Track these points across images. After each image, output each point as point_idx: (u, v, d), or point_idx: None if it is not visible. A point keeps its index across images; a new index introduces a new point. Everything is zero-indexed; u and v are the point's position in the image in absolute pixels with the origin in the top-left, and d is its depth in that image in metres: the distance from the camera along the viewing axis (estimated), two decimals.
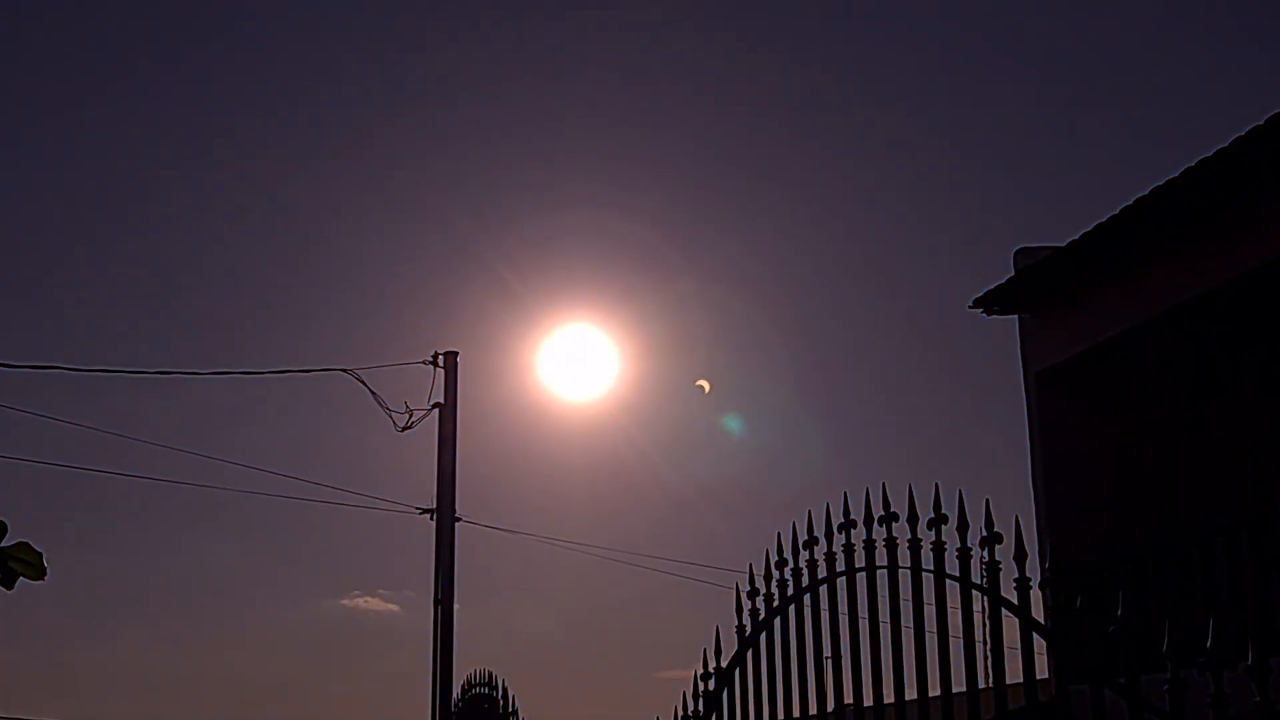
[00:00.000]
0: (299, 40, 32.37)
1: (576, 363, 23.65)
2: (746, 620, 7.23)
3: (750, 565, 7.20)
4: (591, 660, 34.89)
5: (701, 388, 26.53)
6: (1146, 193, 11.26)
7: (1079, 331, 12.96)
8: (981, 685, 5.73)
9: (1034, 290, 13.29)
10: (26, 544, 2.81)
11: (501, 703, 11.88)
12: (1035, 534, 13.08)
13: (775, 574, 7.03)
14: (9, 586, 2.80)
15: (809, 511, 6.74)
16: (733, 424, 25.87)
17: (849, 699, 6.46)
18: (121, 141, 32.71)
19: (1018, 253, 13.61)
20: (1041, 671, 5.66)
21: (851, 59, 33.50)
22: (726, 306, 30.22)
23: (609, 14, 31.41)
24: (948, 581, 5.81)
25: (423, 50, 33.20)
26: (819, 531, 6.67)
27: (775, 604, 7.03)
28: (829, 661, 6.64)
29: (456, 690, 16.04)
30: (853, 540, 6.43)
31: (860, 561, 6.38)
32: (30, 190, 32.39)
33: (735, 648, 7.31)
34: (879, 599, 6.26)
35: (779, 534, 6.98)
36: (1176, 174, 10.91)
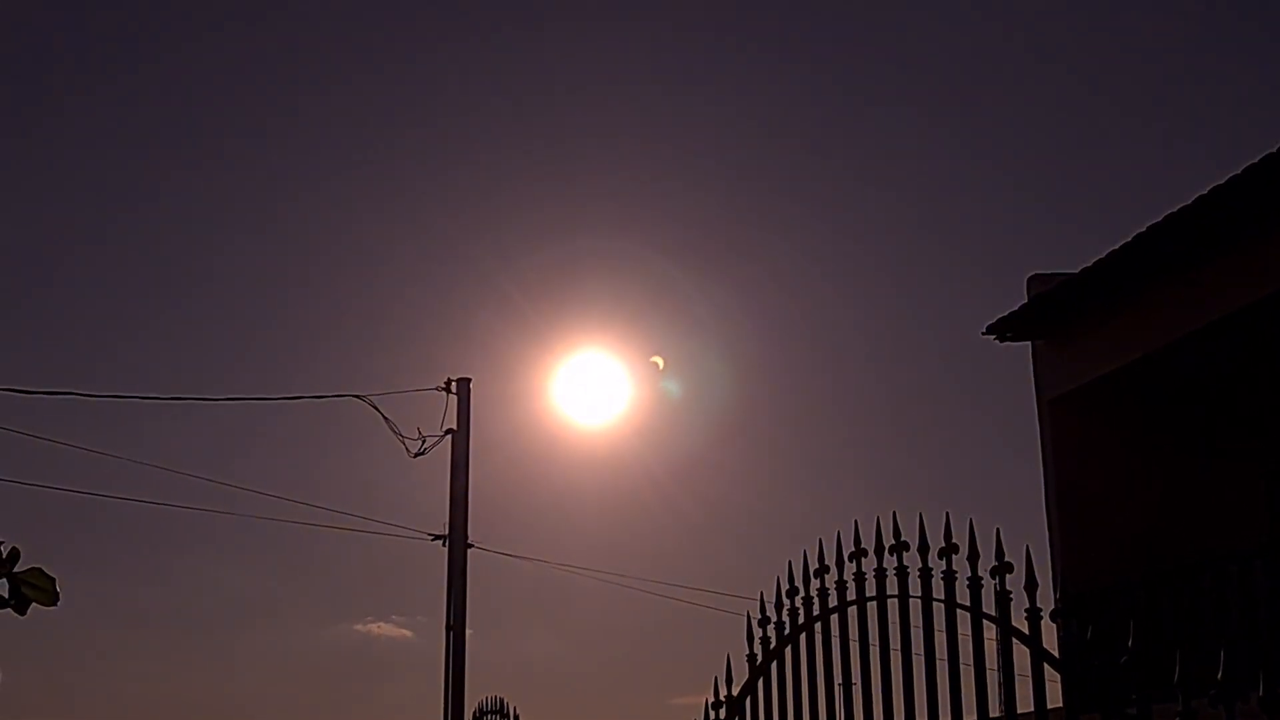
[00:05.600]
0: (316, 67, 32.54)
1: (589, 388, 23.67)
2: (758, 648, 7.22)
3: (761, 593, 7.20)
4: (604, 686, 34.82)
5: (655, 364, 26.67)
6: (1160, 220, 11.27)
7: (1092, 358, 12.95)
8: (992, 714, 5.72)
9: (1047, 317, 13.28)
10: (40, 569, 2.83)
11: None
12: (1048, 560, 13.04)
13: (786, 602, 7.02)
14: (22, 612, 2.82)
15: (820, 540, 6.73)
16: (671, 387, 26.77)
17: None
18: (136, 165, 32.89)
19: (1031, 279, 13.60)
20: (1053, 701, 5.65)
21: (866, 87, 33.58)
22: (738, 332, 30.22)
23: (624, 41, 31.54)
24: (958, 611, 5.79)
25: (439, 77, 33.36)
26: (830, 560, 6.66)
27: (786, 632, 7.02)
28: (840, 689, 6.63)
29: (468, 716, 16.01)
30: (864, 569, 6.42)
31: (871, 590, 6.36)
32: (44, 215, 32.55)
33: (747, 676, 7.30)
34: (890, 628, 6.24)
35: (790, 562, 6.98)
36: (1189, 201, 10.92)
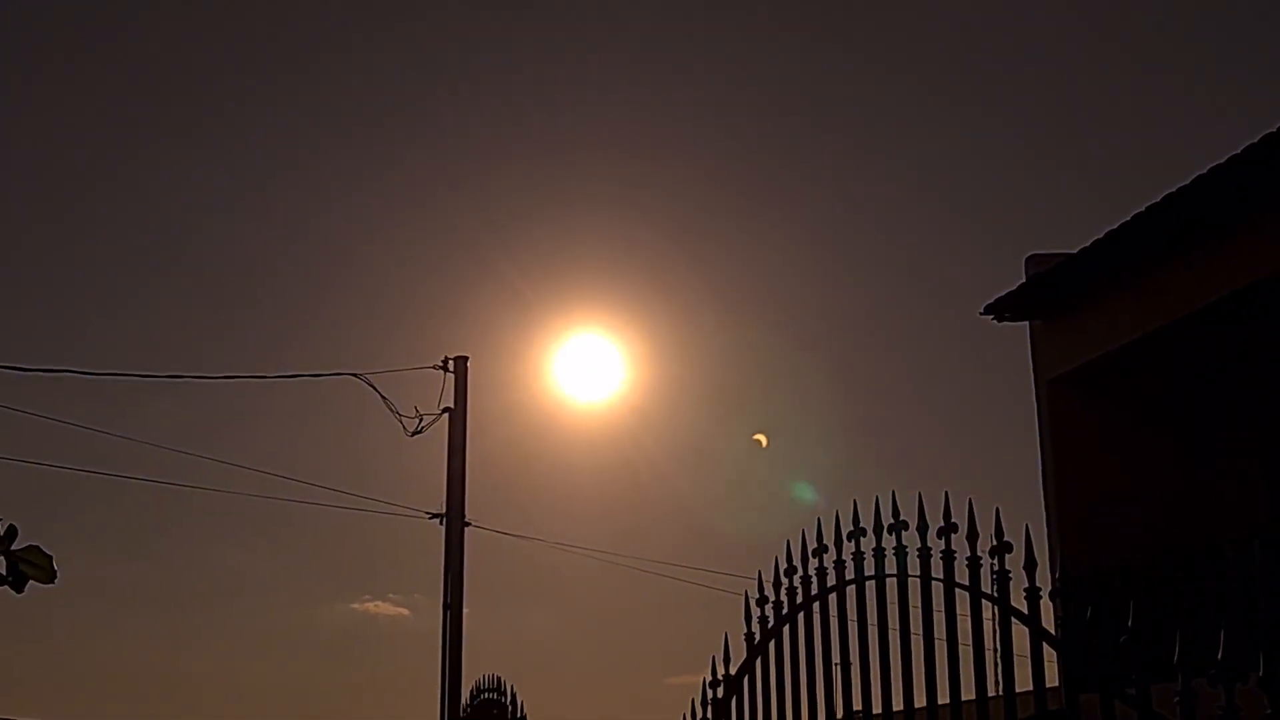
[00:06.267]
0: (312, 43, 32.44)
1: (586, 368, 23.68)
2: (756, 628, 7.23)
3: (759, 573, 7.20)
4: (601, 665, 34.88)
5: (759, 442, 26.13)
6: (1159, 199, 11.25)
7: (1091, 338, 12.94)
8: (991, 694, 5.72)
9: (1045, 297, 13.27)
10: (37, 547, 2.82)
11: (510, 708, 11.88)
12: (1046, 541, 13.05)
13: (785, 581, 7.01)
14: (19, 590, 2.81)
15: (818, 519, 6.73)
16: (805, 492, 24.58)
17: (858, 706, 6.45)
18: (133, 143, 32.80)
19: (1029, 259, 13.57)
20: (1051, 680, 5.65)
21: (863, 64, 33.50)
22: (735, 312, 30.21)
23: (622, 17, 31.43)
24: (957, 590, 5.79)
25: (434, 56, 33.26)
26: (828, 539, 6.66)
27: (785, 611, 7.02)
28: (838, 669, 6.63)
29: (465, 695, 16.04)
30: (862, 548, 6.42)
31: (869, 570, 6.36)
32: (38, 192, 32.47)
33: (745, 655, 7.30)
34: (888, 607, 6.24)
35: (789, 541, 6.98)
36: (1188, 180, 10.90)
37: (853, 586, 6.49)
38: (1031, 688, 5.49)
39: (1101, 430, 13.37)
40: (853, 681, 6.48)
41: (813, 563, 6.79)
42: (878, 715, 6.30)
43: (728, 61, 32.88)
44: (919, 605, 6.01)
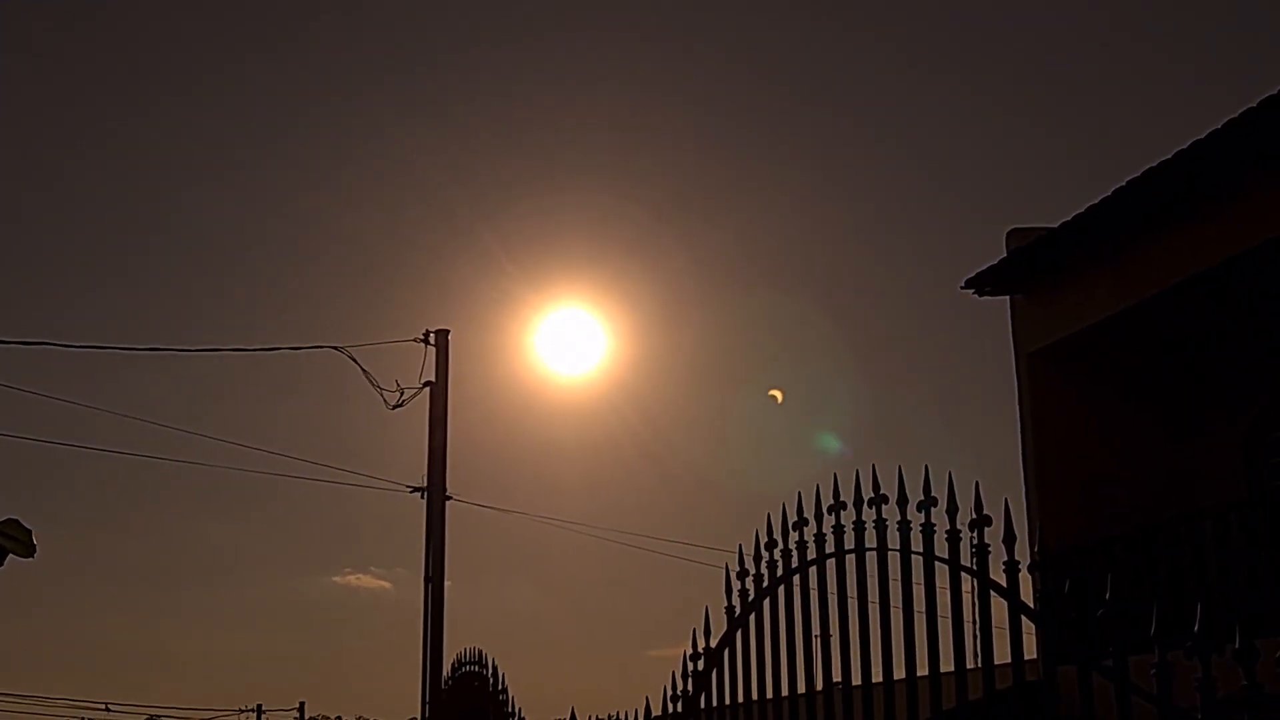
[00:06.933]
0: (294, 20, 32.25)
1: (568, 342, 23.67)
2: (736, 601, 7.24)
3: (740, 546, 7.22)
4: (582, 638, 35.01)
5: (775, 398, 26.42)
6: (1138, 174, 11.28)
7: (1071, 313, 12.97)
8: (969, 666, 5.76)
9: (1026, 271, 13.30)
10: (16, 521, 2.81)
11: (491, 680, 11.90)
12: (1026, 514, 13.12)
13: (765, 555, 7.03)
14: None
15: (799, 493, 6.74)
16: (830, 442, 25.28)
17: (838, 679, 6.48)
18: (111, 117, 32.60)
19: (1010, 234, 13.60)
20: (1029, 652, 5.68)
21: (849, 42, 33.46)
22: (717, 286, 30.21)
23: None
24: (936, 563, 5.82)
25: (416, 28, 33.11)
26: (809, 513, 6.68)
27: (765, 585, 7.04)
28: (818, 641, 6.66)
29: (446, 668, 16.07)
30: (842, 522, 6.43)
31: (850, 543, 6.38)
32: (20, 168, 32.27)
33: (725, 628, 7.32)
34: (868, 580, 6.27)
35: (769, 515, 6.99)
36: (1169, 156, 10.93)
37: (833, 560, 6.51)
38: (1010, 660, 5.52)
39: (1081, 404, 13.42)
40: (832, 654, 6.51)
41: (793, 536, 6.80)
42: (857, 687, 6.33)
43: (714, 40, 32.83)
44: (899, 578, 6.03)
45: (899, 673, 6.06)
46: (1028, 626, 5.49)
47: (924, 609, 5.92)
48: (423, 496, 18.38)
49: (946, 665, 5.81)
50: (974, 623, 5.70)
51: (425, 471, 18.47)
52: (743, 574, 7.19)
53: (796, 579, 6.79)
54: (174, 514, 33.21)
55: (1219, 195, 11.14)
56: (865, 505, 6.23)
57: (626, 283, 30.56)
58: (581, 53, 33.25)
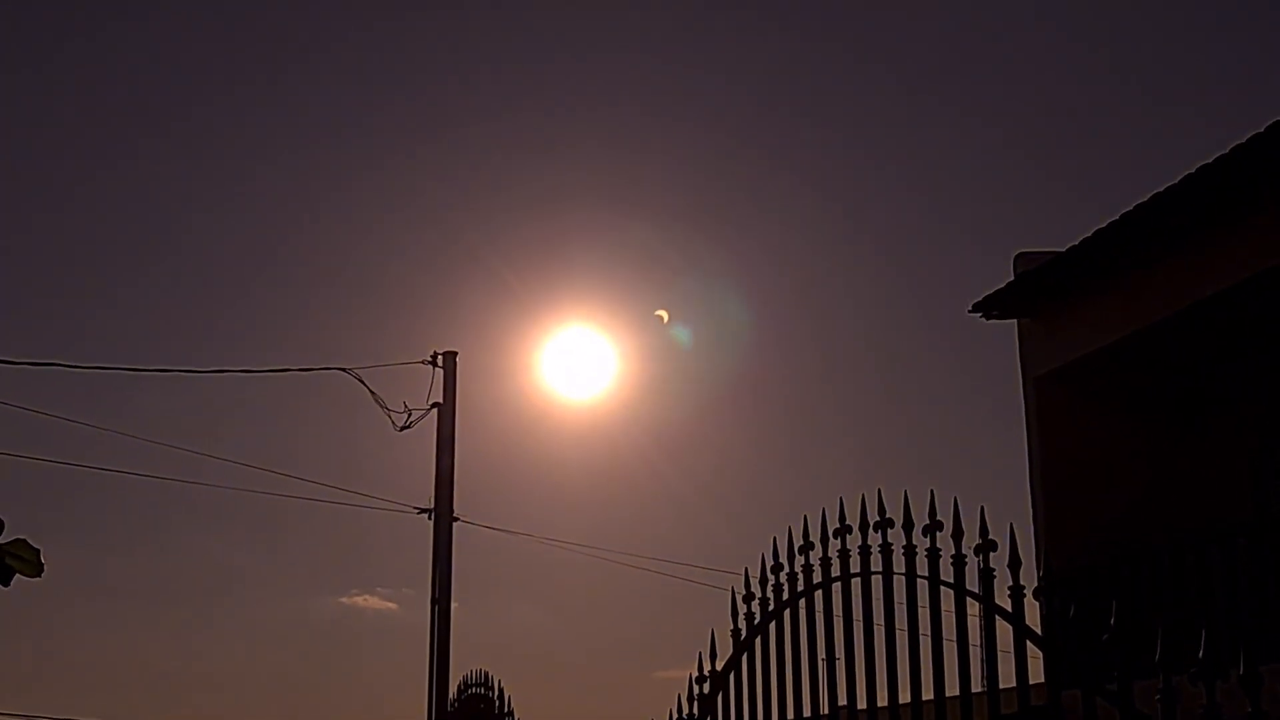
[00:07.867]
0: (300, 40, 32.38)
1: (576, 363, 23.67)
2: (742, 624, 7.24)
3: (746, 569, 7.22)
4: (589, 660, 34.92)
5: (660, 317, 26.90)
6: (1147, 198, 11.28)
7: (1078, 336, 12.97)
8: (975, 690, 5.75)
9: (1033, 295, 13.29)
10: (24, 540, 2.82)
11: (498, 703, 11.88)
12: (1033, 538, 13.09)
13: (771, 578, 7.03)
14: (5, 583, 2.81)
15: (805, 516, 6.75)
16: (683, 334, 26.92)
17: (843, 702, 6.47)
18: (118, 136, 32.71)
19: (1018, 257, 13.60)
20: (1035, 677, 5.68)
21: (854, 61, 33.52)
22: (724, 307, 30.20)
23: (612, 14, 31.42)
24: (942, 588, 5.82)
25: (423, 48, 33.22)
26: (815, 536, 6.68)
27: (770, 608, 7.04)
28: (824, 665, 6.65)
29: (453, 690, 16.04)
30: (848, 545, 6.43)
31: (855, 567, 6.38)
32: (26, 185, 32.38)
33: (731, 650, 7.32)
34: (873, 604, 6.27)
35: (775, 538, 6.99)
36: (1177, 180, 10.93)
37: (838, 584, 6.51)
38: (1015, 684, 5.52)
39: (1089, 427, 13.40)
40: (838, 678, 6.50)
41: (799, 560, 6.81)
42: (862, 711, 6.32)
43: (718, 58, 32.90)
44: (904, 602, 6.03)
45: (904, 697, 6.06)
46: (1033, 651, 5.49)
47: (929, 633, 5.92)
48: (430, 518, 18.38)
49: (952, 690, 5.81)
50: (980, 647, 5.69)
51: (432, 493, 18.47)
52: (749, 597, 7.19)
53: (802, 603, 6.79)
54: (181, 535, 33.25)
55: (1228, 219, 11.14)
56: (871, 529, 6.23)
57: (634, 303, 30.59)
58: (588, 73, 33.36)
